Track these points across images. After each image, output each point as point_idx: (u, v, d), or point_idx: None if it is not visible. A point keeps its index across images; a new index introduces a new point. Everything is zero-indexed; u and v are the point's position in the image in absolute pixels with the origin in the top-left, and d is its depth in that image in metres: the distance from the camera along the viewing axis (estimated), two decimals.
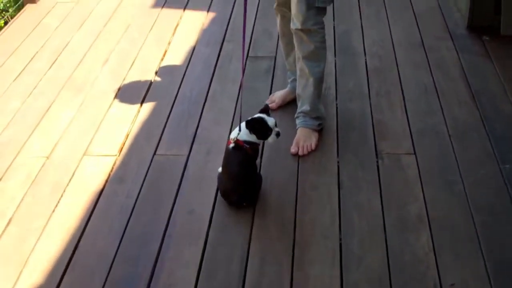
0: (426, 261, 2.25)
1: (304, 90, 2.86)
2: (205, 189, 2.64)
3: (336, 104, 3.13)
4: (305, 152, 2.80)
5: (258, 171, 2.61)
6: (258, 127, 2.48)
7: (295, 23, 2.70)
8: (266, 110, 2.57)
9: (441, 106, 3.07)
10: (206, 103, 3.21)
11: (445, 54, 3.53)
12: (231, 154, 2.50)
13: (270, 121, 2.51)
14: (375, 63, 3.47)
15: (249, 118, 2.50)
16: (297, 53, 2.80)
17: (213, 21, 4.03)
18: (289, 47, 3.04)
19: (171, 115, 3.13)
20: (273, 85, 3.32)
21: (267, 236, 2.41)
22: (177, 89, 3.34)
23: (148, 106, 3.21)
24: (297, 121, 2.92)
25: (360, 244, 2.34)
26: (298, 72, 2.86)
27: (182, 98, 3.26)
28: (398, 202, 2.53)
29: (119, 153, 2.88)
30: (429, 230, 2.37)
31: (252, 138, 2.50)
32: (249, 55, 3.61)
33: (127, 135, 3.00)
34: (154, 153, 2.87)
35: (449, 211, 2.47)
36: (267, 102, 3.14)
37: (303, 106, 2.89)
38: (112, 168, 2.79)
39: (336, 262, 2.27)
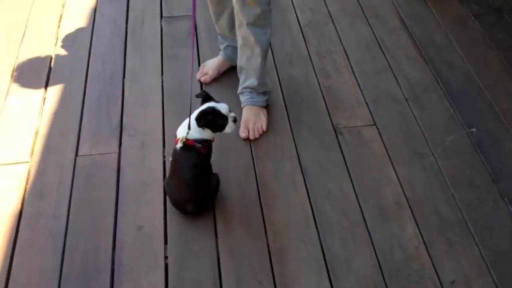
0: (418, 257, 2.02)
1: (249, 61, 2.46)
2: (149, 195, 2.22)
3: (277, 71, 2.77)
4: (257, 135, 2.44)
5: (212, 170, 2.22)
6: (211, 119, 2.07)
7: None
8: (207, 96, 2.14)
9: (389, 64, 2.80)
10: (126, 80, 2.72)
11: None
12: (181, 157, 2.08)
13: (223, 108, 2.10)
14: (308, 16, 3.11)
15: (197, 111, 2.09)
16: (239, 18, 2.37)
17: None
18: (220, 8, 2.59)
19: (86, 101, 2.61)
20: (200, 52, 2.88)
21: (237, 246, 2.06)
22: (86, 64, 2.80)
23: (54, 91, 2.66)
24: (242, 98, 2.53)
25: (343, 244, 2.06)
26: (240, 41, 2.45)
27: (95, 77, 2.74)
28: (371, 185, 2.26)
29: (31, 158, 2.36)
30: (412, 217, 2.14)
31: (205, 134, 2.09)
32: (163, 15, 3.11)
33: (36, 133, 2.46)
34: (76, 154, 2.37)
35: (427, 192, 2.24)
36: (198, 75, 2.71)
37: (248, 80, 2.50)
38: (27, 179, 2.28)
39: (322, 270, 1.99)
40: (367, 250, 2.05)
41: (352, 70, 2.77)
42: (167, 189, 2.16)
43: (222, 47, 2.73)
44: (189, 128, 2.06)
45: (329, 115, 2.54)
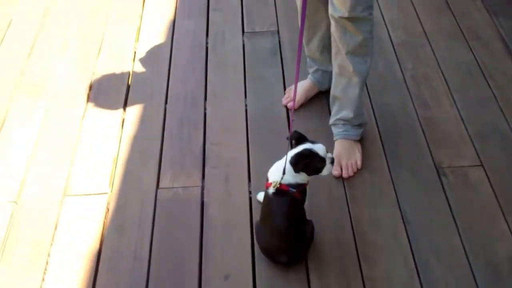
0: None
1: (345, 91, 2.25)
2: (236, 238, 2.05)
3: (369, 96, 2.55)
4: (351, 173, 2.24)
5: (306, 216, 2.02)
6: (309, 163, 1.88)
7: (339, 10, 2.05)
8: (300, 137, 1.92)
9: (493, 94, 2.54)
10: (207, 103, 2.56)
11: (478, 18, 2.97)
12: (274, 202, 1.89)
13: (320, 149, 1.89)
14: (401, 35, 2.87)
15: (292, 153, 1.89)
16: (337, 46, 2.16)
17: None
18: (311, 31, 2.40)
19: (166, 124, 2.46)
20: (285, 72, 2.69)
21: None
22: (165, 83, 2.65)
23: (134, 113, 2.51)
24: (335, 131, 2.33)
25: None
26: (336, 70, 2.24)
27: (175, 97, 2.58)
28: (481, 239, 2.03)
29: (111, 189, 2.22)
30: None
31: (300, 178, 1.90)
32: (244, 30, 2.93)
33: (115, 160, 2.33)
34: (157, 186, 2.22)
35: None
36: (284, 101, 2.52)
37: (342, 111, 2.30)
38: (106, 213, 2.14)
39: None
40: None
41: (453, 100, 2.52)
42: (257, 235, 1.98)
43: (311, 70, 2.54)
44: (284, 172, 1.88)
45: (430, 152, 2.32)
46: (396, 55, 2.75)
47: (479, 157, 2.29)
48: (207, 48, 2.83)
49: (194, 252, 2.01)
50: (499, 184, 2.20)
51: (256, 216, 2.09)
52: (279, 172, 1.89)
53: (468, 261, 1.97)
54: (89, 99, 2.58)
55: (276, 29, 2.90)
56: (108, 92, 2.62)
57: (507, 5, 3.03)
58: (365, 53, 2.17)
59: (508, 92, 2.56)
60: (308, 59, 2.55)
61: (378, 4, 3.02)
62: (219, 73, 2.69)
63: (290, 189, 1.88)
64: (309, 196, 2.02)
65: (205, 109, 2.52)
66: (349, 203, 2.14)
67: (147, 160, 2.32)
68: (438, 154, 2.31)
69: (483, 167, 2.26)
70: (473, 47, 2.78)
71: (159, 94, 2.59)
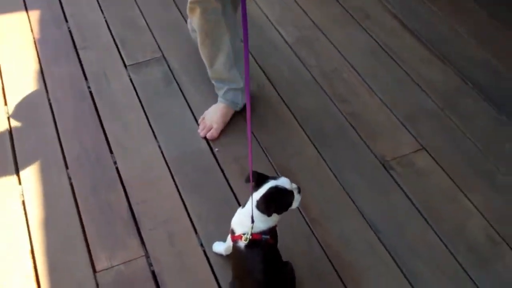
0: None
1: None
2: None
3: (288, 107, 2.36)
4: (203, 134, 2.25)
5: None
6: (279, 201, 1.65)
7: None
8: (260, 176, 1.65)
9: (406, 72, 2.48)
10: (115, 156, 2.20)
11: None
12: (248, 256, 1.65)
13: (286, 183, 1.67)
14: (293, 32, 2.71)
15: (260, 197, 1.63)
16: None
17: (44, 22, 2.85)
18: (215, 49, 2.17)
19: (77, 196, 2.08)
20: (188, 99, 2.42)
21: None
22: (58, 147, 2.24)
23: (32, 191, 2.10)
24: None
25: None
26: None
27: (76, 161, 2.19)
28: (453, 225, 1.95)
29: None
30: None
31: (272, 220, 1.67)
32: (126, 63, 2.60)
33: (31, 254, 1.93)
34: (94, 271, 1.87)
35: None
36: (201, 132, 2.27)
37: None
38: None
39: None
40: None
41: (370, 87, 2.43)
42: None
43: (221, 93, 2.31)
44: (252, 221, 1.64)
45: (369, 148, 2.19)
46: (296, 55, 2.59)
47: (417, 141, 2.21)
48: (91, 93, 2.47)
49: None
50: (447, 163, 2.13)
51: (219, 271, 1.84)
52: (246, 221, 1.65)
53: (451, 253, 1.87)
54: None
55: (161, 54, 2.61)
56: None
57: None
58: None
59: (418, 67, 2.50)
60: (214, 82, 2.32)
61: (258, 5, 2.84)
62: (115, 119, 2.36)
63: (263, 236, 1.65)
64: None
65: (115, 163, 2.20)
66: (311, 227, 1.96)
67: (70, 244, 1.95)
68: (378, 148, 2.19)
69: (425, 150, 2.18)
70: (368, 29, 2.70)
71: (56, 161, 2.21)
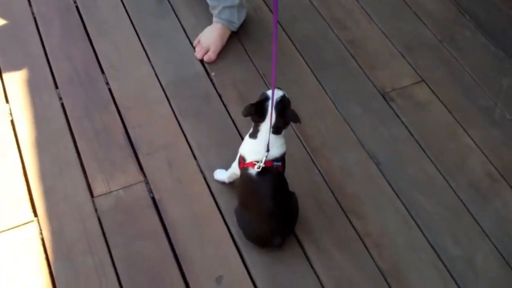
0: None
1: None
2: (211, 233, 1.76)
3: (285, 31, 2.29)
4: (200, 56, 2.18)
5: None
6: (287, 110, 1.61)
7: None
8: (258, 105, 1.61)
9: (405, 1, 2.42)
10: (108, 77, 2.11)
11: None
12: (260, 183, 1.63)
13: (279, 92, 1.64)
14: None
15: (278, 112, 1.58)
16: None
17: None
18: None
19: (70, 117, 2.00)
20: (181, 20, 2.31)
21: (341, 275, 1.69)
22: (47, 66, 2.13)
23: (22, 112, 2.00)
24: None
25: (455, 242, 1.77)
26: None
27: (66, 80, 2.10)
28: (453, 160, 1.96)
29: (36, 214, 1.78)
30: (510, 188, 1.90)
31: (283, 144, 1.65)
32: None
33: (24, 177, 1.86)
34: (92, 195, 1.82)
35: None
36: (198, 54, 2.19)
37: None
38: (42, 245, 1.72)
39: (448, 280, 1.70)
40: (483, 242, 1.79)
41: (368, 15, 2.37)
42: (242, 223, 1.72)
43: (215, 12, 2.21)
44: (268, 149, 1.61)
45: (369, 78, 2.16)
46: None
47: (417, 73, 2.19)
48: (77, 8, 2.33)
49: (169, 263, 1.70)
50: (447, 97, 2.12)
51: (220, 198, 1.83)
52: (259, 148, 1.61)
53: (451, 187, 1.90)
54: None
55: None
56: None
57: None
58: None
59: None
60: (208, 0, 2.21)
61: None
62: (105, 37, 2.24)
63: (275, 163, 1.63)
64: None
65: (107, 84, 2.11)
66: (313, 158, 1.94)
67: (65, 167, 1.89)
68: (377, 79, 2.17)
69: (425, 82, 2.16)
70: None
71: (45, 80, 2.10)
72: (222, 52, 2.20)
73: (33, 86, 2.09)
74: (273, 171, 1.63)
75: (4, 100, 2.04)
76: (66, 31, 2.26)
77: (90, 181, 1.86)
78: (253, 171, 1.62)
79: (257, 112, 1.61)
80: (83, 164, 1.89)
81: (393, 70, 2.20)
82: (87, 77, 2.12)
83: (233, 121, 2.02)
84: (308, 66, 2.19)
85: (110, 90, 2.09)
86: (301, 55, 2.22)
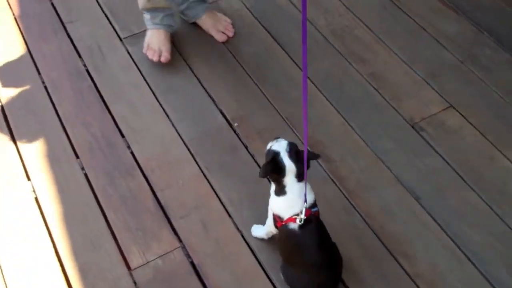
0: None
1: None
2: None
3: (299, 67, 2.23)
4: (231, 33, 2.38)
5: None
6: (300, 153, 1.54)
7: None
8: (273, 162, 1.54)
9: (420, 26, 2.36)
10: (128, 140, 2.05)
11: None
12: (303, 237, 1.56)
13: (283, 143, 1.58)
14: None
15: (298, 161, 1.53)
16: None
17: None
18: None
19: (94, 187, 1.93)
20: (196, 73, 2.26)
21: None
22: (64, 135, 2.07)
23: (44, 186, 1.94)
24: (194, 11, 2.37)
25: (510, 272, 1.71)
26: None
27: (86, 148, 2.03)
28: (494, 185, 1.89)
29: None
30: None
31: (310, 188, 1.59)
32: (120, 36, 2.38)
33: (57, 255, 1.79)
34: (129, 268, 1.75)
35: None
36: (153, 57, 2.28)
37: None
38: None
39: None
40: None
41: (386, 44, 2.31)
42: (291, 281, 1.64)
43: (156, 20, 2.29)
44: (305, 199, 1.54)
45: (396, 110, 2.10)
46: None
47: (444, 98, 2.13)
48: (88, 72, 2.28)
49: None
50: (478, 120, 2.06)
51: (262, 256, 1.75)
52: (292, 203, 1.55)
53: (497, 214, 1.82)
54: None
55: None
56: None
57: None
58: None
59: (431, 19, 2.39)
60: (149, 13, 2.28)
61: None
62: (120, 98, 2.18)
63: (312, 210, 1.56)
64: None
65: (129, 148, 2.04)
66: (350, 200, 1.87)
67: (97, 241, 1.81)
68: (405, 109, 2.10)
69: (453, 107, 2.10)
70: None
71: (64, 151, 2.04)
72: (242, 100, 2.15)
73: (53, 159, 2.03)
74: (312, 218, 1.56)
75: (26, 178, 1.98)
76: (79, 96, 2.20)
77: (125, 253, 1.79)
78: (295, 225, 1.55)
79: (274, 170, 1.55)
80: (115, 236, 1.82)
81: (419, 99, 2.13)
82: (107, 142, 2.06)
83: None
84: (332, 104, 2.12)
85: (132, 153, 2.03)
86: (322, 94, 2.16)
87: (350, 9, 2.44)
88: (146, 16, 2.30)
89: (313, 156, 1.54)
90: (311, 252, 1.57)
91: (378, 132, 2.04)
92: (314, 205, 1.59)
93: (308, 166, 1.53)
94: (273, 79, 2.22)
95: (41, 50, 2.36)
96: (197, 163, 1.99)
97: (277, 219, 1.61)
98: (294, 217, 1.55)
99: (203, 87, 2.20)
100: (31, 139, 2.09)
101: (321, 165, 1.95)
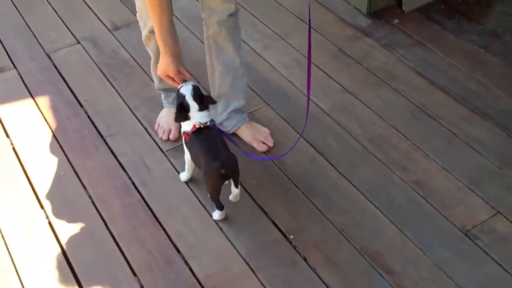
0: None
1: (233, 85, 2.37)
2: None
3: (348, 179, 2.28)
4: (271, 143, 2.43)
5: None
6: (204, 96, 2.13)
7: (223, 10, 2.15)
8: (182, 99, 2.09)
9: (450, 130, 2.45)
10: (185, 255, 2.05)
11: (380, 57, 2.85)
12: (202, 138, 2.06)
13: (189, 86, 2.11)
14: (326, 101, 2.65)
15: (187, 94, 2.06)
16: (220, 47, 2.25)
17: (56, 110, 2.61)
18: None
19: None
20: (245, 185, 2.29)
21: None
22: (117, 251, 2.06)
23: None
24: (232, 122, 2.43)
25: None
26: (220, 69, 2.32)
27: (143, 267, 2.01)
28: None
29: None
30: None
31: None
32: (162, 148, 2.43)
33: None
34: None
35: None
36: (163, 136, 2.47)
37: (232, 103, 2.40)
38: None
39: None
40: None
41: (423, 151, 2.39)
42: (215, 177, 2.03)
43: (169, 100, 2.49)
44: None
45: (446, 218, 2.15)
46: (337, 123, 2.52)
47: (489, 205, 2.19)
48: (134, 185, 2.28)
49: None
50: None
51: None
52: (196, 120, 2.07)
53: None
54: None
55: None
56: None
57: (399, 33, 3.01)
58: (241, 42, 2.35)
59: (461, 126, 2.49)
60: (163, 92, 2.49)
61: (280, 73, 2.77)
62: (172, 213, 2.17)
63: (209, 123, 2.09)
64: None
65: (187, 264, 2.01)
66: None
67: None
68: (455, 217, 2.15)
69: (500, 213, 2.16)
70: (398, 89, 2.67)
71: (121, 269, 2.00)
72: (296, 214, 2.17)
73: (111, 278, 1.99)
74: (209, 127, 2.06)
75: None
76: (129, 212, 2.19)
77: None
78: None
79: (182, 110, 2.05)
80: None
81: (467, 206, 2.19)
82: (164, 259, 2.04)
83: (327, 286, 1.95)
84: (383, 214, 2.17)
85: (191, 270, 2.01)
86: (372, 203, 2.20)
87: (382, 117, 2.54)
88: (162, 95, 2.50)
89: (212, 101, 2.10)
90: (208, 146, 2.01)
91: (434, 241, 2.08)
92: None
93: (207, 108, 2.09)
94: (320, 189, 2.26)
95: (84, 165, 2.36)
96: (258, 278, 1.98)
97: (185, 136, 2.09)
98: (194, 125, 2.05)
99: (252, 198, 2.22)
100: (85, 257, 2.06)
101: (384, 277, 1.97)
